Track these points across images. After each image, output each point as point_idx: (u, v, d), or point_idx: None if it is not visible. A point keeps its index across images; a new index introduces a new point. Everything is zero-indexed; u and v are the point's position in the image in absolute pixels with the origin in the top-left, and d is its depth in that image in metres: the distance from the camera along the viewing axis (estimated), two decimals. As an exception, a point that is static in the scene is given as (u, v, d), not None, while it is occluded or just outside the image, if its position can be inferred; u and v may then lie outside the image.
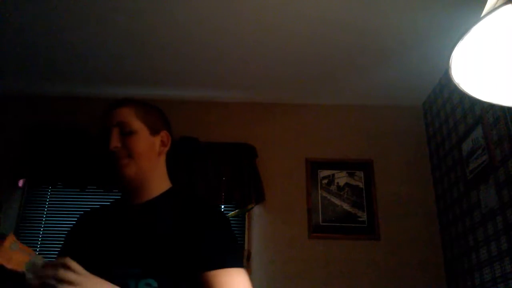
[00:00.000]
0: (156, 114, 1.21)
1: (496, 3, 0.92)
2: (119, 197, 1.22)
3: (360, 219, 2.69)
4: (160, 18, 2.23)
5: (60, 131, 2.77)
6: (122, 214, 1.14)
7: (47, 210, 2.71)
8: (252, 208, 2.66)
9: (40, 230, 2.66)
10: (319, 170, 2.81)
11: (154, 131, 1.17)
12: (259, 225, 2.68)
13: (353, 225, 2.68)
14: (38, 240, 2.64)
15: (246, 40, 2.39)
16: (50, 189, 2.75)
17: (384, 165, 2.82)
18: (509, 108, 1.91)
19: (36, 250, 2.60)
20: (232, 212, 2.62)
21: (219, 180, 2.70)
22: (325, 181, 2.79)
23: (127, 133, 1.11)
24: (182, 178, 2.65)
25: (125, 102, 1.17)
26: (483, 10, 0.99)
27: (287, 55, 2.51)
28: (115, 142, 1.10)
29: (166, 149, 1.20)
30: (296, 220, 2.68)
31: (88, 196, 2.73)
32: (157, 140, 1.17)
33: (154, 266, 0.98)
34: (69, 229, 1.20)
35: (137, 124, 1.13)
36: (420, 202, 2.73)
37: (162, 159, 1.20)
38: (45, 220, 2.68)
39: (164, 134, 1.20)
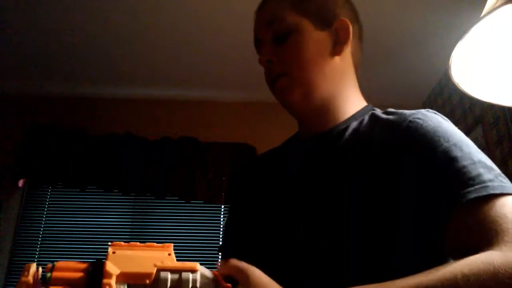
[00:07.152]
0: None
1: (496, 3, 0.92)
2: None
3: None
4: (160, 18, 2.23)
5: (60, 131, 2.77)
6: (291, 156, 0.80)
7: (47, 210, 2.70)
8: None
9: (40, 230, 2.65)
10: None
11: (322, 23, 0.76)
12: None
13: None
14: (38, 241, 2.63)
15: (246, 40, 2.38)
16: (50, 189, 2.75)
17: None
18: (509, 108, 1.91)
19: (36, 251, 2.61)
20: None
21: (219, 180, 2.70)
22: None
23: (280, 37, 0.75)
24: (182, 178, 2.66)
25: None
26: (483, 10, 0.99)
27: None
28: (265, 52, 0.76)
29: (346, 46, 0.77)
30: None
31: (89, 196, 2.72)
32: (327, 35, 0.76)
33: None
34: (233, 188, 0.85)
35: (292, 18, 0.74)
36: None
37: (342, 63, 0.77)
38: (45, 220, 2.68)
39: (339, 23, 0.77)
